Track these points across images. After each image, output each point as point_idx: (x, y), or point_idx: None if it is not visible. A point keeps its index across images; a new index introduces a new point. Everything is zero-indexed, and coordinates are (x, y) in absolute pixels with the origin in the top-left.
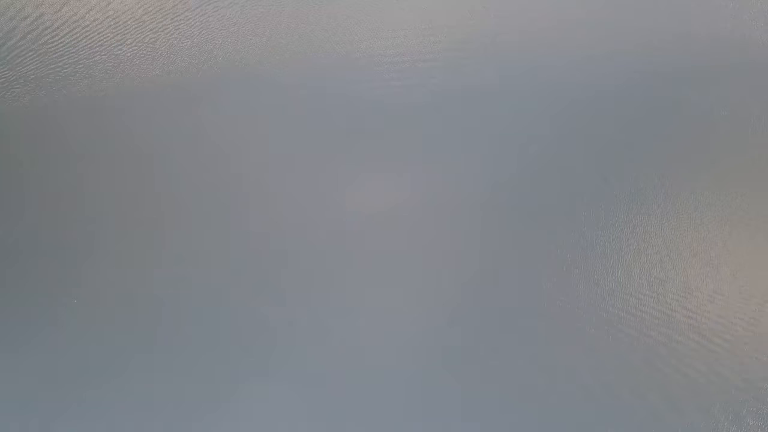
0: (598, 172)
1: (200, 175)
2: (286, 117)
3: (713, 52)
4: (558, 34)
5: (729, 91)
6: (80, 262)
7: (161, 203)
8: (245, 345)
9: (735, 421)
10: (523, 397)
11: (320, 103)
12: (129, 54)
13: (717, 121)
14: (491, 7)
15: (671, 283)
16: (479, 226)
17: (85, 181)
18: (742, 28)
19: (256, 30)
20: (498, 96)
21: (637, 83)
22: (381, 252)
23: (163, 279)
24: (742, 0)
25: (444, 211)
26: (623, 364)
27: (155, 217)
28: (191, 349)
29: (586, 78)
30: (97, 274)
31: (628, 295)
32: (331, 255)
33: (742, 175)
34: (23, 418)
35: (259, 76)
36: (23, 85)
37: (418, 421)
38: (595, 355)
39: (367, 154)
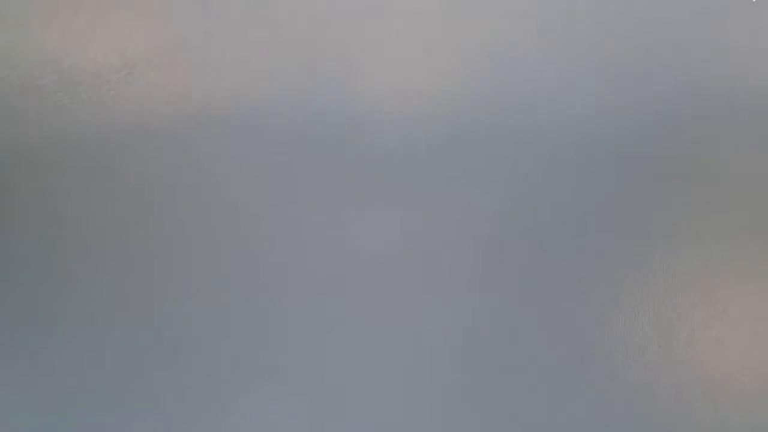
0: (600, 226)
1: (195, 222)
2: (280, 162)
3: (718, 102)
4: (559, 85)
5: (736, 144)
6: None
7: (154, 247)
8: (241, 388)
9: None
10: None
11: (316, 148)
12: (111, 96)
13: (723, 176)
14: (495, 57)
15: (676, 333)
16: (477, 276)
17: (66, 225)
18: (750, 78)
19: (248, 74)
20: (497, 146)
21: (639, 136)
22: (375, 298)
23: (157, 325)
24: (747, 49)
25: (440, 259)
26: (628, 413)
27: (148, 263)
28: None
29: (588, 131)
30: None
31: (632, 345)
32: (330, 298)
33: (748, 229)
34: None
35: (251, 121)
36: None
37: None
38: (601, 405)
39: (365, 199)
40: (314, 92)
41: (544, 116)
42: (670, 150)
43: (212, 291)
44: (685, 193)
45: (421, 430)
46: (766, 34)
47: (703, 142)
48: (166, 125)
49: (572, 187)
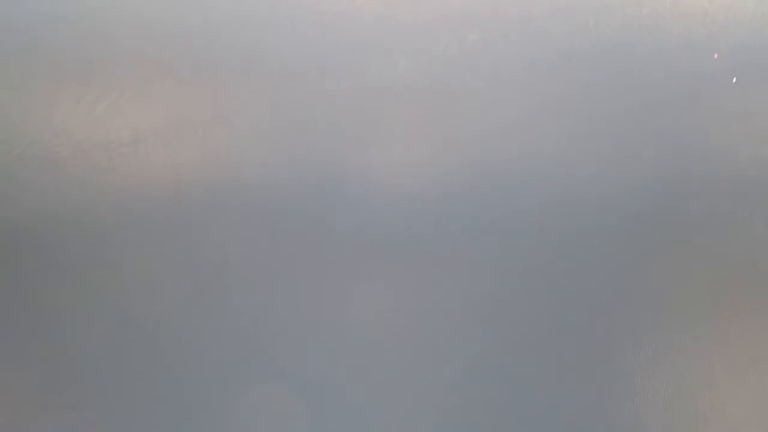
0: (602, 302)
1: (194, 294)
2: (279, 236)
3: (716, 178)
4: (559, 161)
5: (739, 215)
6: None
7: (154, 314)
8: None
9: None
10: None
11: (315, 223)
12: (121, 169)
13: (730, 250)
14: (494, 132)
15: (679, 418)
16: (474, 351)
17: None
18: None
19: (251, 152)
20: (495, 221)
21: (643, 212)
22: (371, 369)
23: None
24: (748, 117)
25: (437, 334)
26: None
27: (147, 333)
28: None
29: (589, 206)
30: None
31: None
32: (326, 368)
33: (755, 304)
34: None
35: (252, 196)
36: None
37: None
38: None
39: (363, 273)
40: (315, 170)
41: (545, 191)
42: (676, 225)
43: (206, 361)
44: (689, 269)
45: None
46: (753, 112)
47: (705, 216)
48: (173, 199)
49: (573, 263)
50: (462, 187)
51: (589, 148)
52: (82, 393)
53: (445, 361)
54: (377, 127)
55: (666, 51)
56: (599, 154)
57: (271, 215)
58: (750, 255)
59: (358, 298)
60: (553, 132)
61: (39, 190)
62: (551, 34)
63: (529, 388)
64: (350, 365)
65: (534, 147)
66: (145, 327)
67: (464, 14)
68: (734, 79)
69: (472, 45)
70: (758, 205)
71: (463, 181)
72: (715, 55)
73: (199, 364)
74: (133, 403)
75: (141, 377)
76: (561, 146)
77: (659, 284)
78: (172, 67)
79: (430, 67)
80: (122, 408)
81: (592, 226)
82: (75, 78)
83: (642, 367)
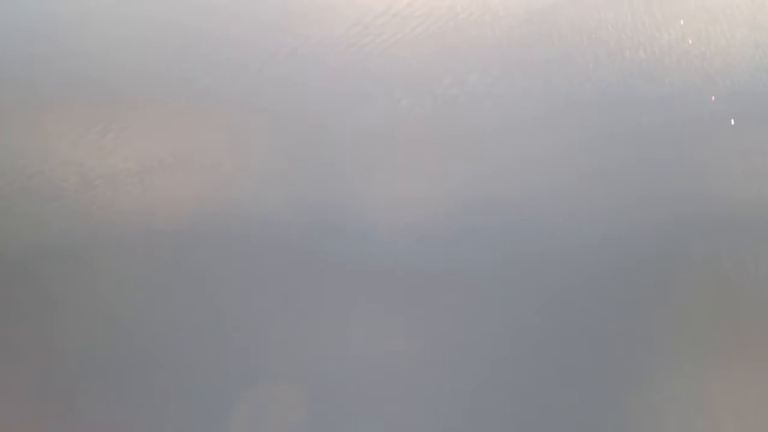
0: (605, 349)
1: (195, 327)
2: (281, 269)
3: (715, 235)
4: (562, 216)
5: (736, 268)
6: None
7: (157, 341)
8: None
9: None
10: None
11: (319, 261)
12: (127, 199)
13: (729, 300)
14: (499, 187)
15: None
16: (474, 391)
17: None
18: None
19: (254, 186)
20: (499, 272)
21: (643, 265)
22: (375, 406)
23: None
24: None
25: (438, 379)
26: None
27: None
28: None
29: (592, 260)
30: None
31: None
32: (330, 406)
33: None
34: None
35: (253, 229)
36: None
37: None
38: None
39: (365, 315)
40: (316, 206)
41: (548, 245)
42: (678, 266)
43: (208, 397)
44: (685, 320)
45: None
46: (753, 160)
47: (707, 256)
48: (174, 228)
49: (576, 315)
50: (461, 226)
51: (589, 190)
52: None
53: (445, 396)
54: (378, 165)
55: (664, 94)
56: (598, 196)
57: (272, 249)
58: (753, 295)
59: (355, 333)
60: (553, 174)
61: (43, 219)
62: (552, 76)
63: (531, 426)
64: (348, 400)
65: (534, 189)
66: (143, 356)
67: (466, 57)
68: (732, 122)
69: (473, 86)
70: (760, 245)
71: (462, 221)
72: (713, 98)
73: (196, 395)
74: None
75: (134, 411)
76: (561, 189)
77: (664, 324)
78: (178, 103)
79: (432, 107)
80: None
81: (593, 268)
82: (83, 110)
83: (647, 407)
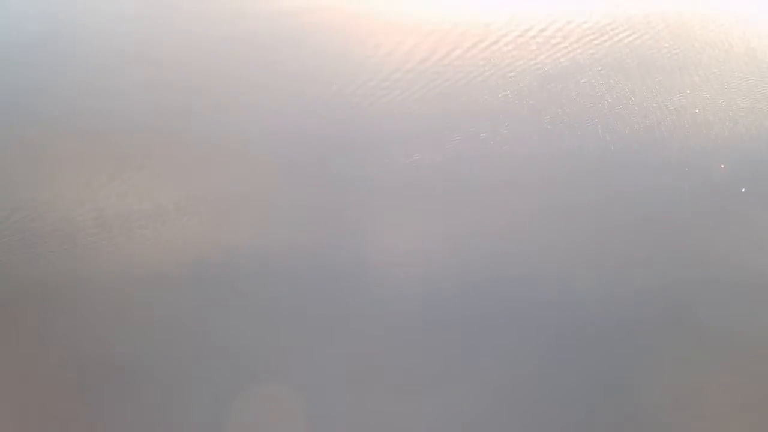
0: (599, 410)
1: (206, 369)
2: (292, 313)
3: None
4: (561, 271)
5: (738, 328)
6: None
7: (162, 381)
8: None
9: None
10: None
11: (331, 305)
12: (142, 239)
13: (729, 359)
14: (499, 238)
15: None
16: None
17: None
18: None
19: (266, 227)
20: (495, 327)
21: (637, 323)
22: None
23: None
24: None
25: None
26: None
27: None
28: None
29: (588, 316)
30: None
31: None
32: None
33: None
34: None
35: (265, 271)
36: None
37: None
38: None
39: (369, 374)
40: (327, 256)
41: (549, 300)
42: (684, 330)
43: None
44: (684, 381)
45: None
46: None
47: (714, 321)
48: (187, 272)
49: (572, 371)
50: (466, 278)
51: (593, 250)
52: None
53: None
54: (388, 217)
55: (671, 160)
56: (602, 256)
57: (281, 295)
58: (757, 358)
59: (358, 385)
60: (557, 233)
61: (57, 258)
62: (560, 138)
63: None
64: None
65: (538, 246)
66: (152, 399)
67: (476, 115)
68: (743, 190)
69: (482, 144)
70: (763, 312)
71: (468, 273)
72: (722, 166)
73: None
74: None
75: None
76: (565, 248)
77: (662, 385)
78: (193, 146)
79: (442, 162)
80: None
81: (596, 329)
82: (100, 151)
83: None
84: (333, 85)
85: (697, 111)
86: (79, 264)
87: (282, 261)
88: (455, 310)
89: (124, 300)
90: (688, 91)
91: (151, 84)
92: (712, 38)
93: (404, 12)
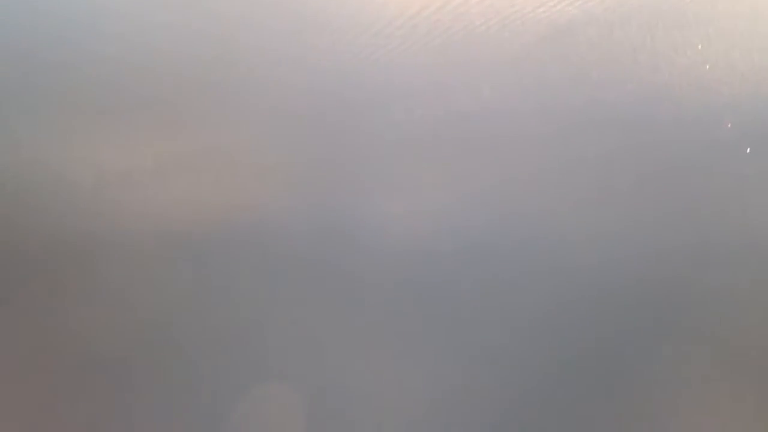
0: (604, 380)
1: (202, 334)
2: (284, 280)
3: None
4: (570, 217)
5: (744, 290)
6: None
7: (159, 346)
8: None
9: None
10: None
11: (320, 270)
12: (142, 198)
13: (736, 326)
14: (505, 199)
15: None
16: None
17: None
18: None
19: (263, 191)
20: (500, 289)
21: (646, 288)
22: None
23: None
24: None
25: (445, 407)
26: None
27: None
28: None
29: (598, 280)
30: None
31: None
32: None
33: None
34: None
35: (260, 236)
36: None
37: None
38: None
39: (364, 333)
40: (326, 212)
41: (554, 262)
42: (688, 294)
43: (212, 393)
44: (695, 346)
45: None
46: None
47: (719, 285)
48: (187, 232)
49: (579, 328)
50: (468, 238)
51: (598, 209)
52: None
53: (444, 411)
54: (388, 174)
55: (680, 117)
56: (607, 215)
57: (283, 252)
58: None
59: (359, 341)
60: (563, 191)
61: (61, 215)
62: (567, 95)
63: None
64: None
65: (543, 204)
66: (151, 352)
67: (481, 70)
68: (748, 150)
69: (487, 100)
70: None
71: (470, 233)
72: (729, 125)
73: (200, 389)
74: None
75: (140, 404)
76: (570, 206)
77: (668, 354)
78: (191, 103)
79: (445, 119)
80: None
81: (600, 290)
82: (101, 107)
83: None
84: (328, 37)
85: (708, 67)
86: (78, 223)
87: (283, 217)
88: (457, 271)
89: (126, 259)
90: (700, 47)
91: (150, 27)
92: None
93: None
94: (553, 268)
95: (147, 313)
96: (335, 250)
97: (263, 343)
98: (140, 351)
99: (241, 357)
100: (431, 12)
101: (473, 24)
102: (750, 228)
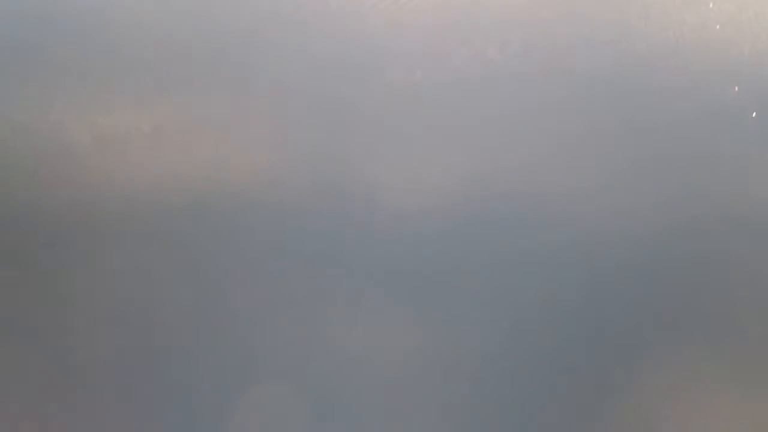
0: (601, 349)
1: (196, 302)
2: (282, 243)
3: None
4: (574, 180)
5: (737, 254)
6: None
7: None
8: None
9: None
10: None
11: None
12: (139, 160)
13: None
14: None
15: None
16: (478, 397)
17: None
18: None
19: (265, 150)
20: (499, 263)
21: (649, 262)
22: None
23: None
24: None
25: (440, 384)
26: None
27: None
28: None
29: (598, 254)
30: None
31: None
32: (333, 401)
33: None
34: None
35: (262, 196)
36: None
37: None
38: None
39: (364, 293)
40: (322, 175)
41: (550, 239)
42: (693, 276)
43: (201, 361)
44: (690, 320)
45: None
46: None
47: (722, 270)
48: (185, 191)
49: (585, 315)
50: (468, 209)
51: (605, 176)
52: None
53: (444, 392)
54: (387, 138)
55: (689, 78)
56: (615, 180)
57: (281, 215)
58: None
59: (356, 321)
60: (569, 156)
61: (57, 176)
62: (574, 55)
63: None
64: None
65: (548, 166)
66: (144, 319)
67: (485, 29)
68: (754, 114)
69: (491, 61)
70: None
71: (470, 203)
72: (736, 88)
73: (195, 363)
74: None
75: (133, 373)
76: (576, 171)
77: (679, 329)
78: (192, 64)
79: (449, 80)
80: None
81: (607, 264)
82: (99, 69)
83: (654, 407)
84: None
85: (718, 27)
86: (73, 186)
87: (280, 180)
88: (459, 244)
89: (123, 224)
90: (711, 5)
91: (145, 4)
92: None
93: None
94: (561, 244)
95: (144, 276)
96: (335, 216)
97: (263, 303)
98: (134, 314)
99: (239, 321)
100: None
101: None
102: (750, 198)
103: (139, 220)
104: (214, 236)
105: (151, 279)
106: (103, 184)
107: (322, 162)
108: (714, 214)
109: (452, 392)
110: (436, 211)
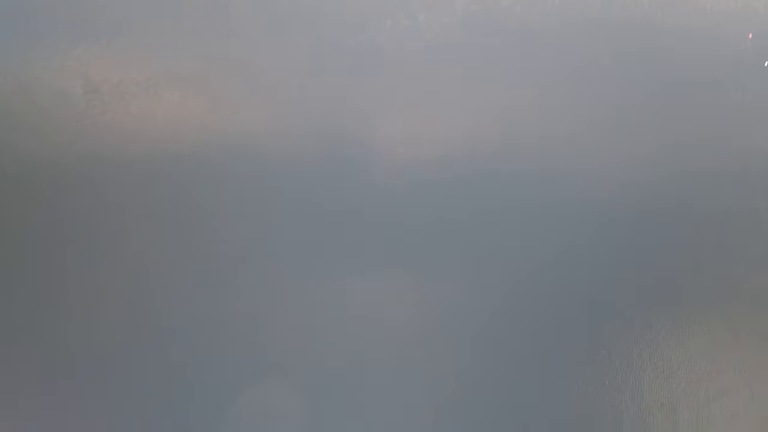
0: (605, 296)
1: (192, 258)
2: (282, 200)
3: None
4: (567, 150)
5: (741, 213)
6: None
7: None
8: None
9: None
10: None
11: (319, 189)
12: (135, 110)
13: (733, 245)
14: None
15: (680, 408)
16: (476, 353)
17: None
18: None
19: (269, 105)
20: (497, 215)
21: (651, 208)
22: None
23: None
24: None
25: (440, 338)
26: None
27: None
28: None
29: (599, 198)
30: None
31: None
32: (331, 359)
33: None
34: None
35: (258, 150)
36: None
37: None
38: None
39: (365, 251)
40: (318, 126)
41: (550, 189)
42: (677, 224)
43: (202, 341)
44: (693, 266)
45: None
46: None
47: (721, 224)
48: (186, 147)
49: (578, 258)
50: (465, 161)
51: (606, 128)
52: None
53: (441, 352)
54: (383, 89)
55: (699, 25)
56: (616, 135)
57: (270, 171)
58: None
59: (353, 275)
60: (572, 111)
61: (49, 125)
62: (576, 6)
63: (527, 386)
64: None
65: (550, 112)
66: (142, 279)
67: None
68: (766, 63)
69: (475, 14)
70: None
71: (469, 156)
72: (750, 35)
73: (187, 322)
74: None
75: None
76: (581, 127)
77: (669, 282)
78: (183, 16)
79: (450, 25)
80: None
81: (606, 215)
82: (90, 15)
83: (646, 365)
84: None
85: None
86: (70, 132)
87: (276, 131)
88: (462, 200)
89: (116, 172)
90: None
91: None
92: None
93: None
94: (558, 196)
95: (141, 235)
96: (334, 172)
97: (263, 264)
98: (132, 276)
99: (240, 280)
100: None
101: None
102: (760, 150)
103: (135, 169)
104: (210, 186)
105: (146, 229)
106: (96, 132)
107: (321, 110)
108: (717, 162)
109: (452, 346)
110: (439, 162)
